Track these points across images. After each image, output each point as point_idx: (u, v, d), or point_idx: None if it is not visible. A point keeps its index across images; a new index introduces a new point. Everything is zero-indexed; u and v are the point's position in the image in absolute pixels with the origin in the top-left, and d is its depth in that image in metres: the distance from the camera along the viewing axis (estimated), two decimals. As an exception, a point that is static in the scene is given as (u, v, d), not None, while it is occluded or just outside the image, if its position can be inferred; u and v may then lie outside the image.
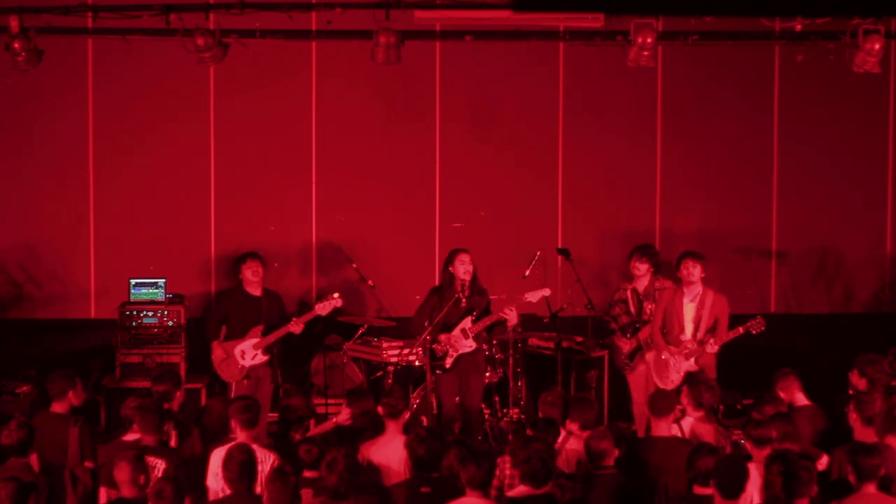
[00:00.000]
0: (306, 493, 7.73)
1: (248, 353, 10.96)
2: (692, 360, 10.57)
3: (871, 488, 7.47)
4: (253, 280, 11.14)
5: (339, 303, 10.98)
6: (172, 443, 8.81)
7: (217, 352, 11.06)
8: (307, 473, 7.89)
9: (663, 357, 10.65)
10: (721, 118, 13.38)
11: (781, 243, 13.53)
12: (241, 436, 8.32)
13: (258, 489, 7.68)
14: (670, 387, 10.53)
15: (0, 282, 12.72)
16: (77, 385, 9.01)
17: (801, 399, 9.29)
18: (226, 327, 11.18)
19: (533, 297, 10.62)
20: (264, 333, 10.98)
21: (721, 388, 11.50)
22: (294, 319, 10.96)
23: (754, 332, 10.45)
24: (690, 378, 9.77)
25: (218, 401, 10.11)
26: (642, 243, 11.60)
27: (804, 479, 7.36)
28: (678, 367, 10.59)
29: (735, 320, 10.62)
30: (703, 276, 10.69)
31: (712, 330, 10.61)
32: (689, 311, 10.65)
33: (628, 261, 11.42)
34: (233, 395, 11.15)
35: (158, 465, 8.15)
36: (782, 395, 9.25)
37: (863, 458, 7.50)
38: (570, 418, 8.74)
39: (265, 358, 11.00)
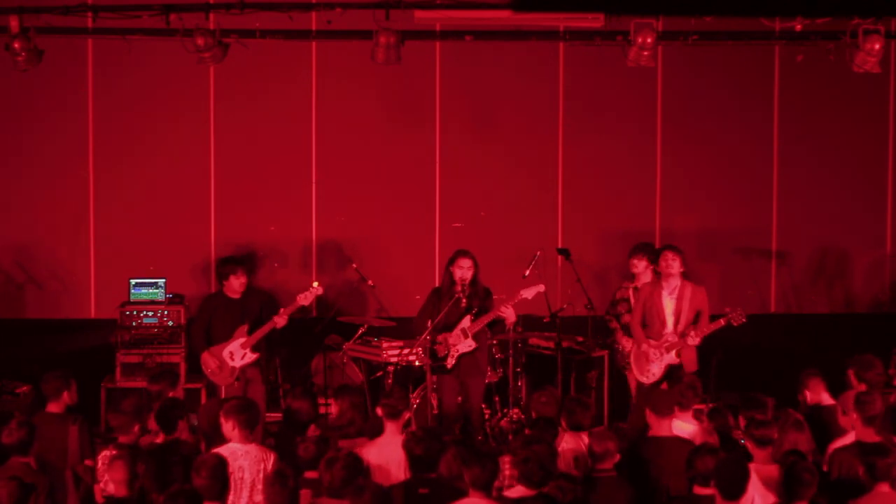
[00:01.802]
0: (305, 494, 7.73)
1: (237, 353, 10.90)
2: (673, 353, 10.54)
3: (884, 487, 7.49)
4: (239, 290, 11.08)
5: (319, 290, 10.95)
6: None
7: (207, 360, 11.00)
8: (308, 474, 7.88)
9: (643, 349, 10.62)
10: (721, 118, 13.38)
11: (781, 243, 13.53)
12: (236, 436, 8.31)
13: (231, 496, 7.70)
14: (651, 380, 10.54)
15: (0, 281, 12.72)
16: (72, 385, 9.01)
17: (826, 399, 9.31)
18: (211, 333, 11.10)
19: (528, 293, 10.62)
20: (250, 332, 10.94)
21: (721, 389, 11.55)
22: (281, 310, 10.93)
23: (735, 323, 10.38)
24: (672, 376, 9.74)
25: (214, 402, 10.10)
26: (639, 242, 11.59)
27: (806, 480, 7.37)
28: (659, 361, 10.57)
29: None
30: (682, 269, 10.65)
31: (695, 324, 10.60)
32: (668, 305, 10.60)
33: (628, 260, 11.41)
34: (223, 396, 11.14)
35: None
36: (808, 394, 9.27)
37: (877, 457, 7.51)
38: (562, 417, 8.75)
39: (254, 356, 10.94)
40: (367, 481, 7.62)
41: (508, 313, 10.55)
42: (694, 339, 10.50)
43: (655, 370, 10.58)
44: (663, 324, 10.58)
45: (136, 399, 8.82)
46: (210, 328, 10.99)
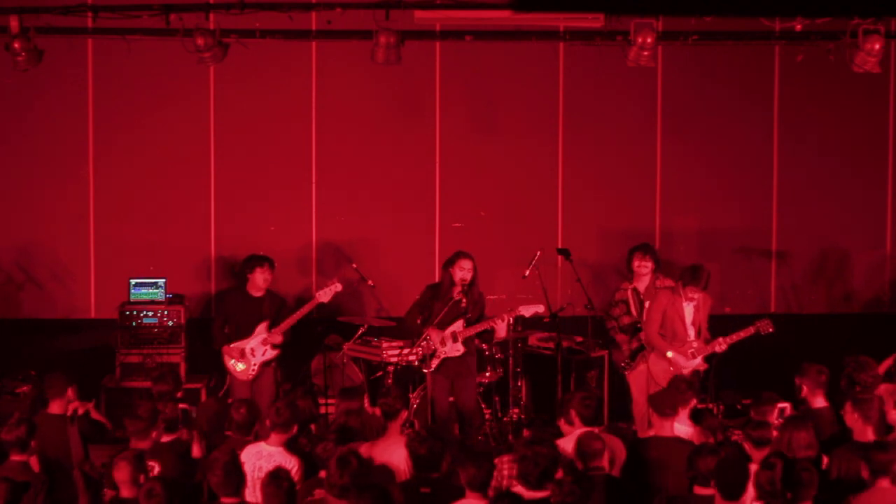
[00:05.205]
0: (320, 493, 7.75)
1: (258, 349, 10.99)
2: (699, 358, 10.59)
3: (885, 483, 7.52)
4: (262, 286, 11.13)
5: (338, 287, 11.06)
6: (195, 450, 8.79)
7: (228, 353, 11.05)
8: (324, 473, 7.90)
9: (669, 356, 10.62)
10: (721, 118, 13.37)
11: (781, 243, 13.52)
12: (274, 439, 8.38)
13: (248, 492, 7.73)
14: None
15: (0, 282, 12.72)
16: (73, 386, 9.01)
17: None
18: (228, 329, 11.16)
19: (526, 311, 10.69)
20: (270, 329, 10.99)
21: (721, 389, 11.56)
22: (318, 292, 11.02)
23: (763, 332, 10.54)
24: (672, 380, 9.76)
25: (213, 400, 10.11)
26: (641, 243, 11.57)
27: (805, 481, 7.37)
28: (685, 368, 10.57)
29: (737, 320, 10.63)
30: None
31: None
32: (688, 313, 10.66)
33: (630, 259, 11.36)
34: (228, 391, 11.19)
35: (154, 468, 8.16)
36: (806, 388, 9.24)
37: (876, 453, 7.55)
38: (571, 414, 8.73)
39: (275, 353, 11.03)
40: (369, 481, 7.64)
41: (500, 327, 10.58)
42: (721, 346, 10.59)
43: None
44: (686, 332, 10.61)
45: (152, 404, 8.82)
46: (229, 323, 11.11)
